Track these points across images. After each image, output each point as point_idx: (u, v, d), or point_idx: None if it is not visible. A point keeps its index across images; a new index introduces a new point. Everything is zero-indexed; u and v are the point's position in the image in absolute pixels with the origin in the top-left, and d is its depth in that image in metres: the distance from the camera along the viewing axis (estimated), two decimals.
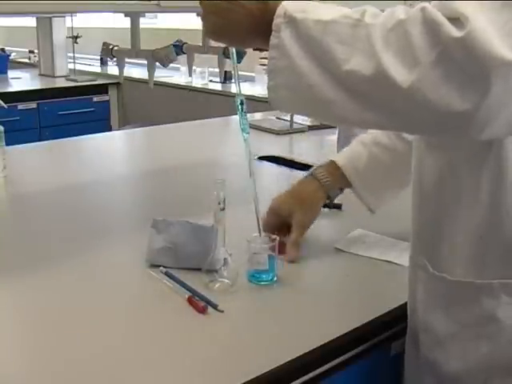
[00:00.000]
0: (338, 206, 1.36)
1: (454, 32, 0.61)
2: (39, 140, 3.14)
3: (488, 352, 0.80)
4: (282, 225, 1.12)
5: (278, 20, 0.70)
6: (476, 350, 0.80)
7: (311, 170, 1.18)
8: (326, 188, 1.14)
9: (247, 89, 3.38)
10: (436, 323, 0.85)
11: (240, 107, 0.96)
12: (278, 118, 2.51)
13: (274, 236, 1.03)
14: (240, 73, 0.98)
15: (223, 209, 0.98)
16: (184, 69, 3.61)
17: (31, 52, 4.99)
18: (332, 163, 1.16)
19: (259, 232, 1.03)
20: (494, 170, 0.76)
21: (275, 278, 1.02)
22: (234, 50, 0.94)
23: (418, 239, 0.90)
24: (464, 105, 0.63)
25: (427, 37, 0.63)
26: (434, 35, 0.62)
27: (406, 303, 0.95)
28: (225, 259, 0.99)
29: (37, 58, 4.68)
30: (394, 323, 0.95)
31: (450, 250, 0.82)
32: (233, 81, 3.74)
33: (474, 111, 0.63)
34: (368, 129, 0.95)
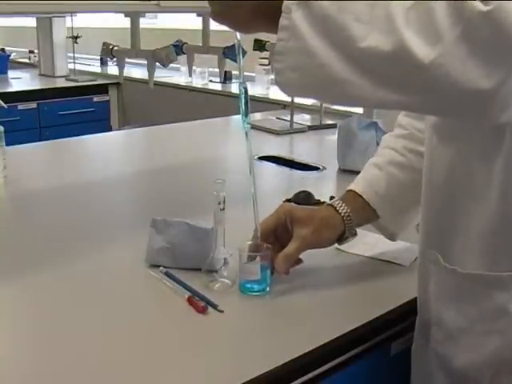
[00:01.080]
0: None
1: (480, 6, 0.60)
2: (39, 140, 3.13)
3: (498, 346, 0.79)
4: (283, 229, 1.02)
5: (289, 1, 0.67)
6: (486, 344, 0.80)
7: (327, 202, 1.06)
8: (343, 217, 1.01)
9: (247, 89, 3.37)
10: (447, 317, 0.84)
11: (243, 97, 0.92)
12: (278, 118, 2.51)
13: (266, 244, 0.99)
14: None
15: (223, 209, 0.97)
16: (184, 69, 3.61)
17: (31, 52, 4.99)
18: (349, 193, 1.06)
19: (255, 225, 0.98)
20: (506, 162, 0.75)
21: (268, 289, 0.98)
22: (238, 34, 0.88)
23: (429, 233, 0.89)
24: (489, 82, 0.62)
25: (451, 12, 0.61)
26: (458, 10, 0.60)
27: (405, 303, 0.95)
28: (225, 259, 0.99)
29: (37, 58, 4.67)
30: (394, 323, 0.95)
31: (462, 242, 0.81)
32: (233, 81, 3.74)
33: (498, 89, 0.62)
34: (384, 108, 0.88)
